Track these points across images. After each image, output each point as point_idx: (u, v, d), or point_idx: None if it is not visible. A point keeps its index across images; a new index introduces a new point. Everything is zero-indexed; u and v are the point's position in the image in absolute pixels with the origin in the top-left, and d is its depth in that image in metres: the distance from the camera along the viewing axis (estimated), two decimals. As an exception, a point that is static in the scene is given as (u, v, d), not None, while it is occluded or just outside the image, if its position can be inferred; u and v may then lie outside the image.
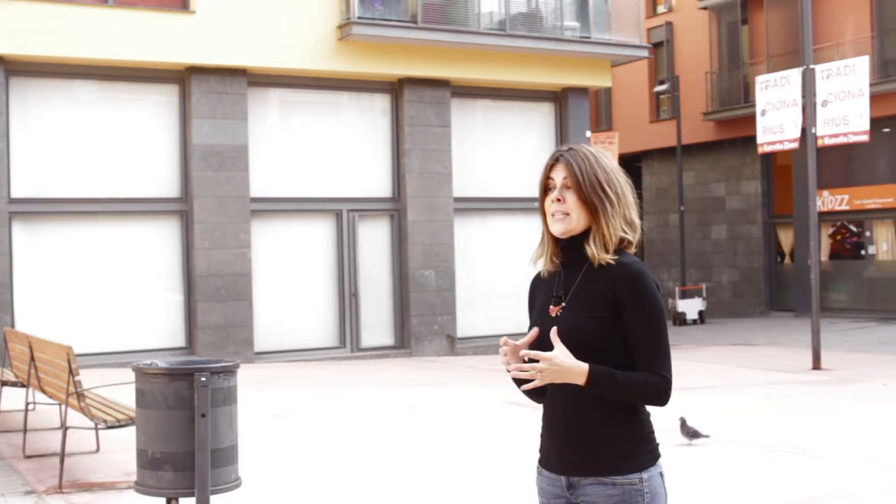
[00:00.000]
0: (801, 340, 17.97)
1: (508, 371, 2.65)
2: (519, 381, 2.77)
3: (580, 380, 2.57)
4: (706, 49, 27.55)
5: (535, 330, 2.67)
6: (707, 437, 8.35)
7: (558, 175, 2.71)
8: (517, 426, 8.98)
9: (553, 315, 2.70)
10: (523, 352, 2.60)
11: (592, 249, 2.66)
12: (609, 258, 2.64)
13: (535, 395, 2.78)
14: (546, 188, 2.74)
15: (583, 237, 2.69)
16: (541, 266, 2.82)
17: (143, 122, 15.33)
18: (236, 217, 15.52)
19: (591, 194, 2.66)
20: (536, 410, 2.82)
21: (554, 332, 2.58)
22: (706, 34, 27.61)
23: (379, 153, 17.07)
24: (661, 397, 2.61)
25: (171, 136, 15.49)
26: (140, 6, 14.97)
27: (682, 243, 26.84)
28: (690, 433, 8.28)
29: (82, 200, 14.89)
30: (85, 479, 7.06)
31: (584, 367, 2.56)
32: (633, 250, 2.72)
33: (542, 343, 2.65)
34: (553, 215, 2.70)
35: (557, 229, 2.71)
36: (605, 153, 2.76)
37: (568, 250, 2.73)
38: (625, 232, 2.69)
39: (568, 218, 2.68)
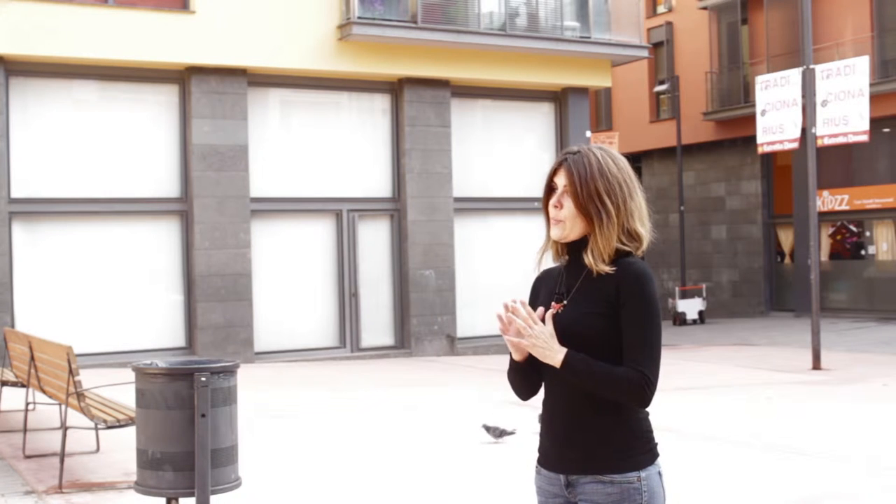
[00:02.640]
0: (801, 340, 17.98)
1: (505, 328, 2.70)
2: (513, 377, 2.80)
3: (556, 361, 2.60)
4: (706, 49, 27.56)
5: (541, 309, 2.69)
6: (512, 433, 8.46)
7: (560, 180, 2.72)
8: (516, 426, 8.97)
9: (555, 312, 2.71)
10: (512, 303, 2.66)
11: (590, 260, 2.67)
12: (606, 269, 2.64)
13: (523, 389, 2.80)
14: (550, 189, 2.75)
15: (583, 243, 2.70)
16: (541, 260, 2.83)
17: (143, 122, 15.33)
18: (236, 217, 15.52)
19: (587, 204, 2.66)
20: (535, 411, 2.82)
21: (549, 314, 2.66)
22: (706, 34, 27.61)
23: (379, 153, 17.07)
24: (641, 396, 2.58)
25: (171, 136, 15.49)
26: (140, 6, 14.97)
27: (682, 243, 26.84)
28: (497, 433, 8.39)
29: (82, 200, 14.89)
30: (85, 479, 7.06)
31: (563, 350, 2.59)
32: (640, 255, 2.73)
33: None
34: (552, 220, 2.72)
35: (554, 234, 2.74)
36: (615, 157, 2.72)
37: (572, 250, 2.74)
38: (622, 243, 2.68)
39: (564, 224, 2.71)
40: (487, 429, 8.46)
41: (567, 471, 2.69)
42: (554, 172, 2.74)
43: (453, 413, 10.53)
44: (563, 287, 2.75)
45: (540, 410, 8.25)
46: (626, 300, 2.62)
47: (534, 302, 2.85)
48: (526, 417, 8.88)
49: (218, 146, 15.42)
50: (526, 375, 2.77)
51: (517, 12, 17.71)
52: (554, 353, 2.60)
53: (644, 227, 2.73)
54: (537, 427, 8.89)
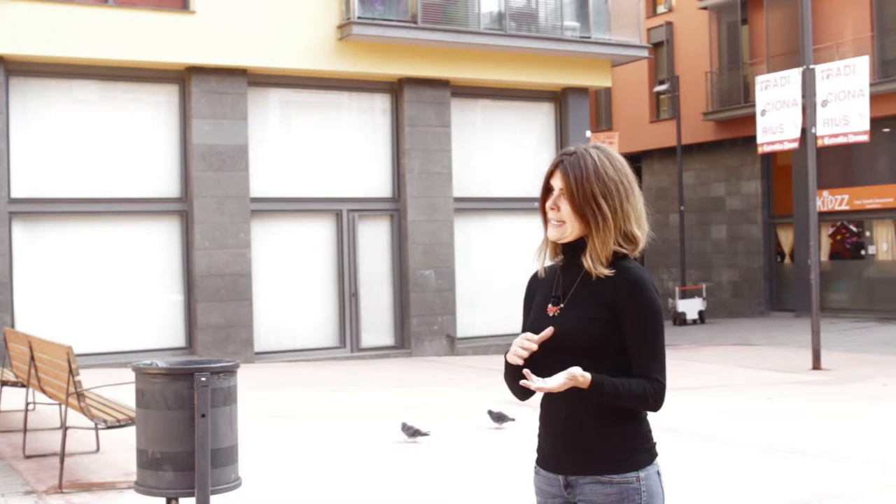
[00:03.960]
0: (801, 340, 17.97)
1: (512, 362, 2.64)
2: (509, 380, 2.76)
3: (583, 385, 2.58)
4: (706, 49, 27.55)
5: (550, 329, 2.64)
6: (427, 434, 8.60)
7: (557, 182, 2.71)
8: (516, 426, 8.98)
9: (551, 315, 2.70)
10: (537, 384, 2.56)
11: (589, 263, 2.66)
12: (605, 272, 2.64)
13: (520, 390, 2.77)
14: (547, 191, 2.75)
15: (580, 244, 2.69)
16: (543, 261, 2.81)
17: (143, 122, 15.34)
18: (236, 217, 15.52)
19: (583, 207, 2.65)
20: (535, 410, 2.82)
21: (577, 372, 2.55)
22: (706, 34, 27.61)
23: (379, 153, 17.08)
24: (657, 402, 2.62)
25: (171, 136, 15.50)
26: (140, 6, 14.97)
27: (682, 243, 26.84)
28: (411, 432, 8.52)
29: (82, 200, 14.89)
30: (85, 479, 7.06)
31: (587, 377, 2.56)
32: (635, 256, 2.72)
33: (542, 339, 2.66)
34: (550, 221, 2.72)
35: (551, 235, 2.73)
36: (613, 157, 2.71)
37: (568, 251, 2.74)
38: (620, 246, 2.67)
39: (563, 226, 2.70)
40: (404, 427, 8.61)
41: (566, 471, 2.69)
42: (550, 174, 2.74)
43: (453, 413, 10.53)
44: (559, 290, 2.74)
45: (490, 406, 8.49)
46: (626, 307, 2.62)
47: (529, 304, 2.84)
48: (523, 416, 8.88)
49: (218, 146, 15.42)
50: (520, 378, 2.76)
51: (517, 12, 17.71)
52: (580, 384, 2.57)
53: (641, 230, 2.72)
54: (493, 424, 9.07)
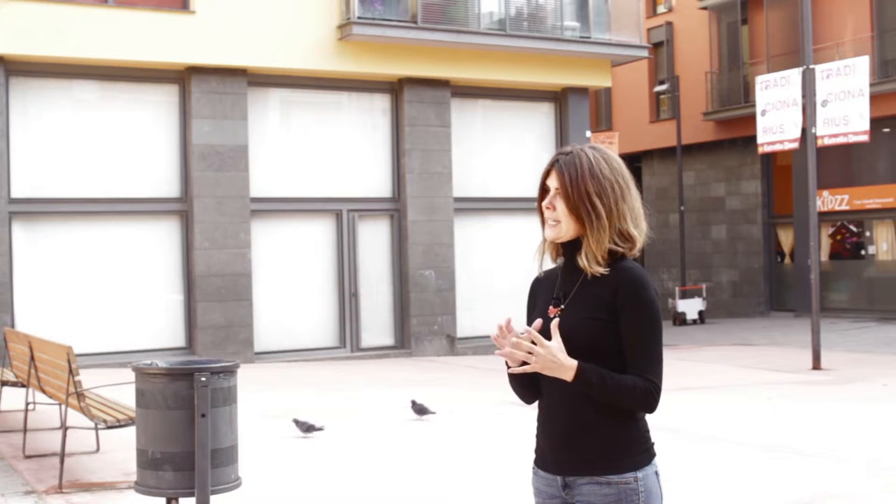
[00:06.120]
0: (801, 340, 17.97)
1: (499, 352, 2.63)
2: (513, 385, 2.79)
3: (568, 375, 2.56)
4: (706, 49, 27.55)
5: (539, 321, 2.65)
6: (321, 429, 8.80)
7: (553, 182, 2.71)
8: (515, 426, 8.98)
9: (552, 316, 2.70)
10: (524, 328, 2.59)
11: (584, 262, 2.66)
12: (601, 270, 2.63)
13: (526, 394, 2.79)
14: (544, 191, 2.75)
15: (578, 244, 2.69)
16: (541, 262, 2.82)
17: (143, 122, 15.34)
18: (236, 217, 15.53)
19: (578, 206, 2.65)
20: (533, 410, 2.82)
21: (555, 324, 2.58)
22: (706, 34, 27.61)
23: (379, 153, 17.08)
24: (650, 403, 2.60)
25: (171, 136, 15.50)
26: (140, 6, 14.98)
27: (682, 243, 26.84)
28: (305, 427, 8.72)
29: (82, 200, 14.89)
30: (85, 479, 7.06)
31: (573, 363, 2.56)
32: (633, 255, 2.72)
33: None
34: (546, 221, 2.72)
35: (548, 235, 2.73)
36: (609, 157, 2.71)
37: (568, 252, 2.74)
38: (616, 244, 2.67)
39: (558, 226, 2.70)
40: (297, 423, 8.75)
41: (564, 472, 2.69)
42: (546, 174, 2.74)
43: (453, 413, 10.52)
44: (559, 291, 2.74)
45: (413, 397, 8.75)
46: (624, 306, 2.61)
47: (532, 305, 2.84)
48: (525, 417, 8.88)
49: (218, 146, 15.42)
50: (525, 383, 2.76)
51: (517, 12, 17.71)
52: (565, 369, 2.55)
53: (637, 229, 2.71)
54: (413, 415, 9.31)
